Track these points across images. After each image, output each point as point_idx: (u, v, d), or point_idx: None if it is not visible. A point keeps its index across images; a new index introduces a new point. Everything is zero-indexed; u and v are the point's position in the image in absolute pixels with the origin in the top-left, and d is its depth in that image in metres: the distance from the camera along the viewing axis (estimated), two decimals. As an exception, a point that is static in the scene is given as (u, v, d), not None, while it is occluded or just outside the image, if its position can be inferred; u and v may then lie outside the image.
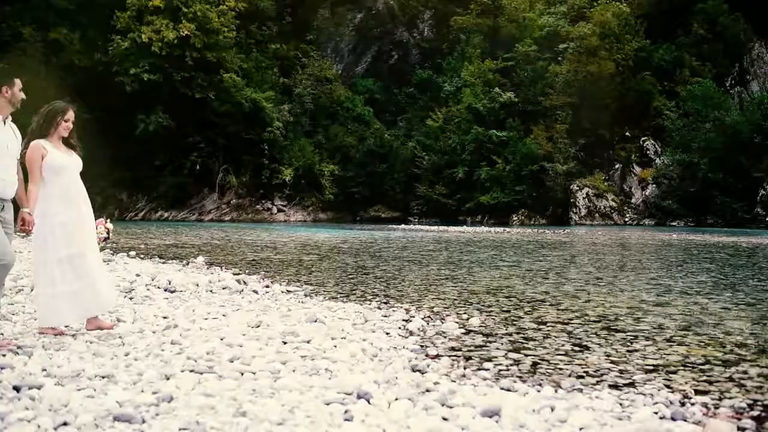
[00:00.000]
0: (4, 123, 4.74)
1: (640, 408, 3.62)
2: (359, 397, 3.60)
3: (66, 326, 5.27)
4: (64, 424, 3.07)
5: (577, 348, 5.27)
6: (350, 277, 10.39)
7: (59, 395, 3.42)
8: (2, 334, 4.71)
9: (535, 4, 56.42)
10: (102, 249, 5.45)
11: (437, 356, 4.88)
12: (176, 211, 44.69)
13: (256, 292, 7.96)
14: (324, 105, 52.74)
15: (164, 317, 5.90)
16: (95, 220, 5.41)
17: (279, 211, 49.37)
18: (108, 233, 5.65)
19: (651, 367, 4.66)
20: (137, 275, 8.92)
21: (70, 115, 5.14)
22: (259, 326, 5.67)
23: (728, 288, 9.51)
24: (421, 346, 5.20)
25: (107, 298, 5.22)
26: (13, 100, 4.74)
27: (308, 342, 5.07)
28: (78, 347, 4.65)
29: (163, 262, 11.88)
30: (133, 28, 42.16)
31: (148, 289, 7.68)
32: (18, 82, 4.78)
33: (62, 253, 4.97)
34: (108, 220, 5.65)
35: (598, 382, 4.27)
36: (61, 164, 5.04)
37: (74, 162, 5.18)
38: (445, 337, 5.63)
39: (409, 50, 60.93)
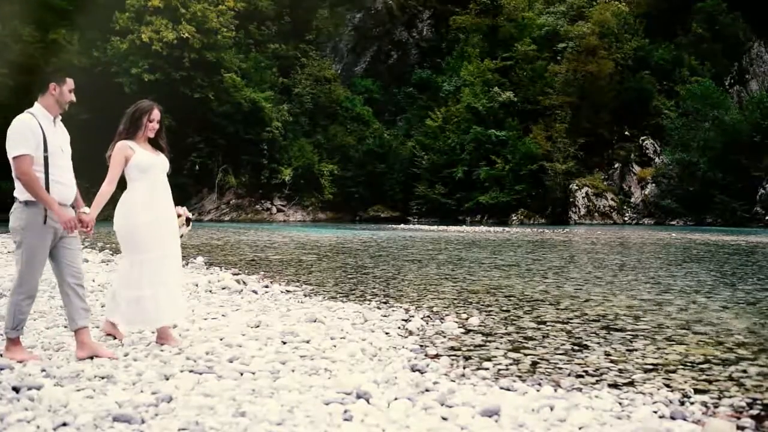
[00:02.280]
0: (55, 123, 4.48)
1: (640, 407, 3.62)
2: (358, 396, 3.60)
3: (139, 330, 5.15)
4: (64, 424, 3.07)
5: (576, 347, 5.27)
6: (349, 276, 10.39)
7: (58, 396, 3.42)
8: (31, 350, 4.56)
9: (534, 3, 56.40)
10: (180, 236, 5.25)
11: (437, 356, 4.88)
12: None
13: (255, 292, 7.96)
14: (323, 105, 52.73)
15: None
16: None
17: (278, 211, 49.37)
18: (188, 222, 5.29)
19: (650, 367, 4.67)
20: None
21: (156, 114, 4.95)
22: (258, 326, 5.67)
23: (727, 287, 9.51)
24: (421, 345, 5.20)
25: (180, 307, 5.04)
26: (61, 99, 4.48)
27: (307, 342, 5.07)
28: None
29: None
30: (132, 29, 42.16)
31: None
32: (69, 82, 4.53)
33: (144, 255, 4.79)
34: (185, 208, 5.32)
35: (597, 381, 4.27)
36: (148, 163, 4.85)
37: (161, 162, 4.98)
38: (444, 336, 5.63)
39: (408, 50, 60.93)
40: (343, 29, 58.90)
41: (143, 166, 4.82)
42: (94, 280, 8.26)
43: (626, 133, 49.32)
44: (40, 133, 4.30)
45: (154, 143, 5.00)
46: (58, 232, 4.41)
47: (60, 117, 4.53)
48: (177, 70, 42.67)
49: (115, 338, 5.08)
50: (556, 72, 48.97)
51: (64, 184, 4.44)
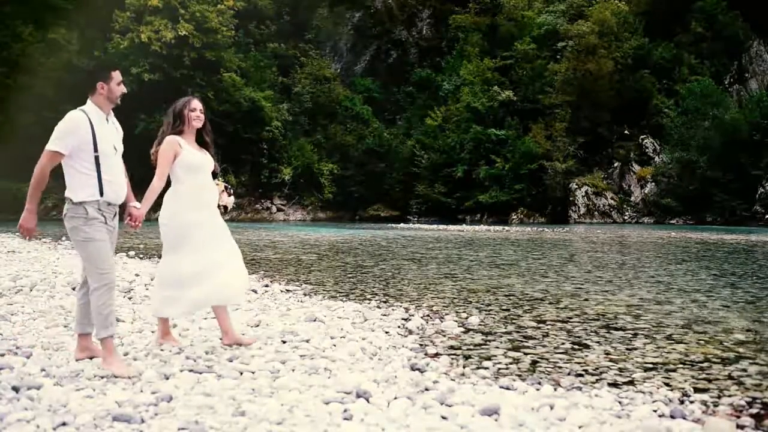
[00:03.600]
0: (107, 120, 4.34)
1: (640, 406, 3.62)
2: (358, 396, 3.60)
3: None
4: (63, 424, 3.07)
5: (576, 346, 5.27)
6: (349, 276, 10.38)
7: (58, 395, 3.42)
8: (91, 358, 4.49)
9: (533, 2, 56.40)
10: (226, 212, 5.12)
11: (436, 355, 4.88)
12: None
13: (255, 291, 7.96)
14: (323, 104, 52.74)
15: (163, 317, 5.88)
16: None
17: (278, 210, 49.38)
18: (227, 190, 4.94)
19: (650, 365, 4.67)
20: (136, 275, 8.93)
21: (196, 104, 4.81)
22: (258, 325, 5.67)
23: (727, 286, 9.51)
24: (421, 344, 5.20)
25: (232, 293, 4.83)
26: (111, 96, 4.32)
27: (307, 341, 5.06)
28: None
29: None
30: (132, 28, 42.16)
31: (147, 289, 7.67)
32: (116, 75, 4.34)
33: (191, 255, 4.64)
34: (221, 179, 5.12)
35: (597, 380, 4.27)
36: (196, 162, 4.72)
37: (208, 161, 4.85)
38: (444, 335, 5.63)
39: (407, 49, 60.92)
40: (342, 28, 58.91)
41: (191, 166, 4.70)
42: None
43: (626, 132, 49.33)
44: (90, 132, 4.17)
45: (200, 141, 4.87)
46: (112, 234, 4.33)
47: (112, 113, 4.40)
48: (177, 69, 42.68)
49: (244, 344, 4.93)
50: (556, 71, 48.98)
51: (117, 184, 4.32)
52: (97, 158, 4.19)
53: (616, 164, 48.71)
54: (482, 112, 48.90)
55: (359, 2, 59.09)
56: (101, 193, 4.19)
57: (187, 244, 4.66)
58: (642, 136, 48.73)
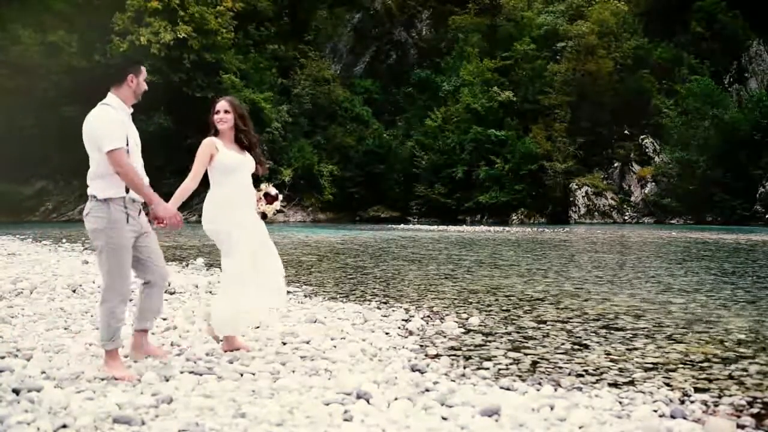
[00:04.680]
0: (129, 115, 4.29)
1: (640, 406, 3.62)
2: (359, 397, 3.61)
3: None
4: (64, 426, 3.07)
5: (576, 347, 5.27)
6: (350, 277, 10.38)
7: (58, 398, 3.42)
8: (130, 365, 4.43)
9: (533, 2, 56.41)
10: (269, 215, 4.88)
11: (437, 356, 4.88)
12: (176, 211, 44.77)
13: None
14: (323, 105, 52.72)
15: (163, 319, 5.89)
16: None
17: (278, 211, 49.39)
18: (268, 198, 4.84)
19: (650, 366, 4.67)
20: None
21: (219, 106, 4.72)
22: (258, 327, 5.67)
23: (728, 285, 9.51)
24: (421, 345, 5.21)
25: (267, 303, 4.79)
26: (137, 90, 4.27)
27: (308, 342, 5.07)
28: (77, 349, 4.65)
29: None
30: (132, 30, 42.18)
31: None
32: (144, 71, 4.33)
33: (228, 259, 4.60)
34: (270, 184, 4.93)
35: (597, 380, 4.27)
36: (232, 164, 4.61)
37: (246, 162, 4.72)
38: (444, 336, 5.63)
39: (407, 50, 60.91)
40: (342, 30, 58.88)
41: (227, 168, 4.60)
42: (94, 282, 8.26)
43: (626, 132, 49.32)
44: (123, 126, 4.10)
45: (241, 141, 4.74)
46: (140, 231, 4.22)
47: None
48: (177, 71, 42.68)
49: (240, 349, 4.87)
50: (556, 71, 48.97)
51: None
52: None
53: (616, 164, 48.70)
54: (482, 113, 48.89)
55: (359, 3, 59.09)
56: (127, 189, 4.10)
57: (232, 247, 4.58)
58: (642, 136, 48.72)
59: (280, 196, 5.00)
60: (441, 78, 54.46)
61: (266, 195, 4.87)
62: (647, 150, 48.25)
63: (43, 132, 39.55)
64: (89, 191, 4.10)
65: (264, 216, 4.88)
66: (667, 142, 46.28)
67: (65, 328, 5.48)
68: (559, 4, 54.90)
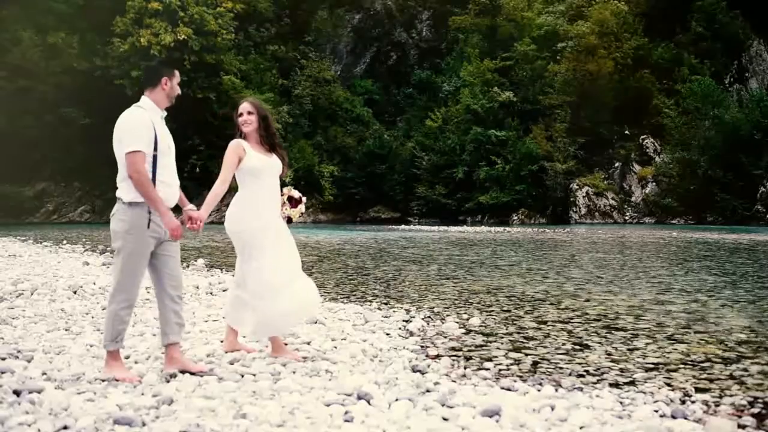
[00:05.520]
0: (162, 119, 4.24)
1: (641, 406, 3.62)
2: (359, 398, 3.61)
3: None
4: (64, 427, 3.07)
5: (577, 347, 5.27)
6: (350, 278, 10.38)
7: (59, 399, 3.42)
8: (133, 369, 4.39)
9: (533, 3, 56.38)
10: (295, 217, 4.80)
11: (437, 356, 4.88)
12: (176, 214, 44.72)
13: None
14: (323, 106, 52.74)
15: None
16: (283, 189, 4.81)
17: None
18: (292, 202, 4.82)
19: (651, 366, 4.66)
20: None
21: (242, 107, 4.65)
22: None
23: (728, 285, 9.51)
24: (422, 346, 5.21)
25: (297, 311, 4.66)
26: (171, 93, 4.25)
27: (308, 343, 5.07)
28: (78, 350, 4.66)
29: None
30: (132, 32, 42.21)
31: (148, 292, 7.67)
32: (177, 74, 4.30)
33: (258, 262, 4.51)
34: (292, 188, 4.90)
35: (598, 380, 4.27)
36: (259, 167, 4.56)
37: (273, 164, 4.68)
38: (445, 337, 5.63)
39: (407, 51, 60.92)
40: (342, 30, 58.87)
41: (253, 171, 4.56)
42: (95, 283, 8.26)
43: (626, 132, 49.30)
44: (153, 129, 4.06)
45: (269, 143, 4.69)
46: (161, 237, 4.16)
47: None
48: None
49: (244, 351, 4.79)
50: (556, 71, 48.95)
51: (170, 185, 4.19)
52: (155, 157, 4.06)
53: (616, 164, 48.68)
54: (482, 114, 48.89)
55: (359, 4, 59.11)
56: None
57: (257, 251, 4.51)
58: (642, 136, 48.69)
59: (304, 199, 4.95)
60: (441, 78, 54.46)
61: (290, 199, 4.84)
62: (648, 150, 48.23)
63: (43, 133, 39.61)
64: (117, 193, 4.09)
65: (289, 220, 4.83)
66: (668, 142, 46.26)
67: (66, 330, 5.48)
68: (560, 5, 54.87)
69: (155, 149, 4.07)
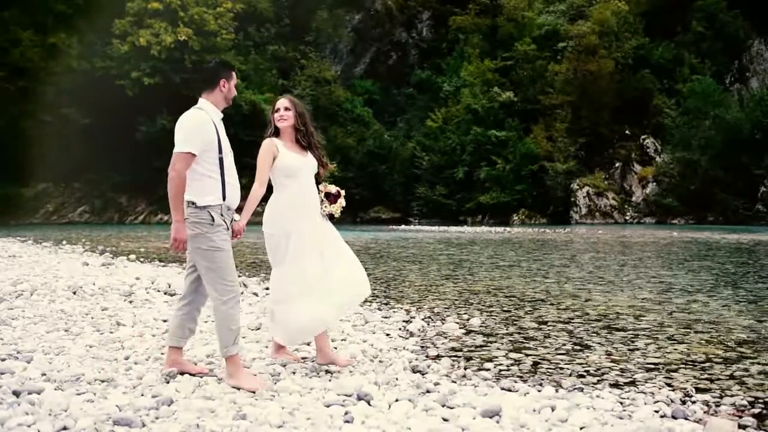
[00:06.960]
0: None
1: (641, 407, 3.61)
2: (359, 398, 3.60)
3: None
4: (64, 428, 3.07)
5: (577, 347, 5.26)
6: (351, 278, 10.35)
7: (59, 400, 3.41)
8: (195, 363, 4.34)
9: (533, 2, 56.40)
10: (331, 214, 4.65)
11: (438, 357, 4.87)
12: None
13: (256, 294, 7.96)
14: (323, 106, 52.75)
15: (164, 320, 5.89)
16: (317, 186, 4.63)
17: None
18: (330, 197, 4.62)
19: (652, 366, 4.66)
20: (137, 278, 8.92)
21: (279, 103, 4.52)
22: (259, 328, 5.67)
23: (729, 285, 9.50)
24: (422, 346, 5.20)
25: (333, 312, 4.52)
26: (228, 95, 4.16)
27: (308, 344, 5.06)
28: (77, 351, 4.65)
29: (163, 266, 11.90)
30: (132, 32, 42.23)
31: (148, 293, 7.67)
32: (234, 75, 4.22)
33: (296, 265, 4.36)
34: (328, 184, 4.70)
35: (598, 381, 4.26)
36: (293, 167, 4.42)
37: (308, 163, 4.52)
38: (445, 337, 5.63)
39: (407, 51, 60.94)
40: (342, 30, 58.90)
41: (289, 170, 4.41)
42: (94, 284, 8.26)
43: (627, 132, 49.31)
44: (215, 132, 3.97)
45: (301, 141, 4.53)
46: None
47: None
48: (177, 72, 42.73)
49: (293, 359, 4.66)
50: (557, 71, 48.98)
51: (236, 186, 4.11)
52: (221, 160, 3.98)
53: (617, 164, 48.70)
54: (483, 114, 48.90)
55: (359, 4, 59.12)
56: (224, 197, 3.99)
57: (290, 253, 4.38)
58: (643, 136, 48.72)
59: (342, 193, 4.79)
60: (441, 79, 54.47)
61: (327, 195, 4.69)
62: (648, 150, 48.24)
63: (43, 133, 39.60)
64: (186, 197, 3.94)
65: (331, 217, 4.70)
66: (669, 142, 46.28)
67: (66, 330, 5.47)
68: (560, 4, 54.91)
69: (220, 151, 3.99)
